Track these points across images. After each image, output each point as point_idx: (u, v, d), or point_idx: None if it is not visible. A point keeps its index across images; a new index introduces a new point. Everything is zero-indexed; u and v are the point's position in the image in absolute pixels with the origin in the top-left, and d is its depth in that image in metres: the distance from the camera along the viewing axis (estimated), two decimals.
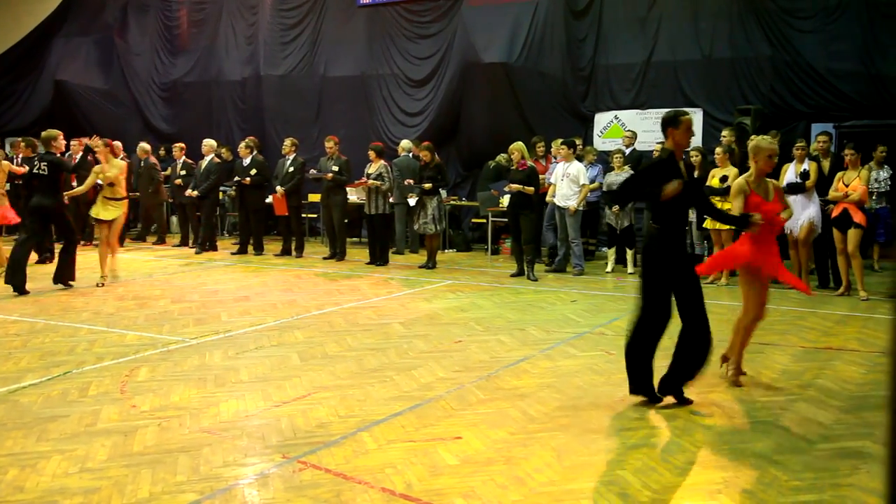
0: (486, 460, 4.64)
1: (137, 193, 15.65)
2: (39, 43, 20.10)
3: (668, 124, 5.76)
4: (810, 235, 10.24)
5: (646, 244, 5.84)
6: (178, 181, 15.11)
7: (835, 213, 9.87)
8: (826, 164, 10.48)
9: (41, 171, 10.41)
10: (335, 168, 13.26)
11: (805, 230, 10.17)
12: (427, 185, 12.28)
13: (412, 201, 12.84)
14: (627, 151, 12.76)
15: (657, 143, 11.90)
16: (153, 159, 15.99)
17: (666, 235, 5.68)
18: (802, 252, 10.39)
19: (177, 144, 15.71)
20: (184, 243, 15.41)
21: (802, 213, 10.25)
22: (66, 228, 10.86)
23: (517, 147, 11.55)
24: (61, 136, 10.95)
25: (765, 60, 13.40)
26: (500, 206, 13.01)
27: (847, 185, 9.75)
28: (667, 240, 5.67)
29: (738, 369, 6.32)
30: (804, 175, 10.30)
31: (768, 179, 6.23)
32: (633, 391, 5.75)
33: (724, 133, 11.72)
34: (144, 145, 16.12)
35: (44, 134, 10.82)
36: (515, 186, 11.25)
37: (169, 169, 15.93)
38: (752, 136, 6.30)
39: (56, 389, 6.10)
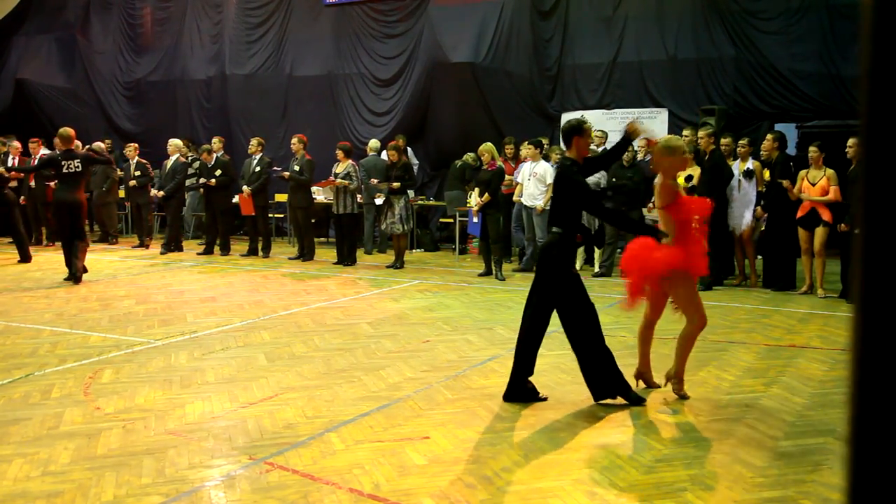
0: (453, 460, 4.64)
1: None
2: None
3: (575, 132, 5.65)
4: (754, 233, 10.56)
5: (555, 251, 5.65)
6: (133, 182, 14.95)
7: (800, 214, 9.98)
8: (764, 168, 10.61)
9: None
10: (296, 167, 13.19)
11: (749, 227, 10.46)
12: (395, 185, 12.26)
13: (379, 200, 12.82)
14: (599, 151, 12.80)
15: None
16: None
17: (569, 240, 5.70)
18: (748, 249, 10.73)
19: (130, 144, 15.50)
20: (141, 245, 15.22)
21: (746, 211, 10.49)
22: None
23: (487, 148, 11.61)
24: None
25: (728, 61, 13.53)
26: (468, 205, 13.02)
27: (813, 184, 9.84)
28: (571, 245, 5.75)
29: (682, 381, 5.91)
30: (748, 173, 10.47)
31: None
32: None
33: (686, 132, 11.83)
34: (99, 144, 15.89)
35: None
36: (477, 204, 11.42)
37: (120, 171, 15.74)
38: (670, 137, 6.20)
39: (18, 392, 6.00)
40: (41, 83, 19.28)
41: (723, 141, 10.82)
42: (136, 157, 15.18)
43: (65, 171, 10.87)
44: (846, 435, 1.07)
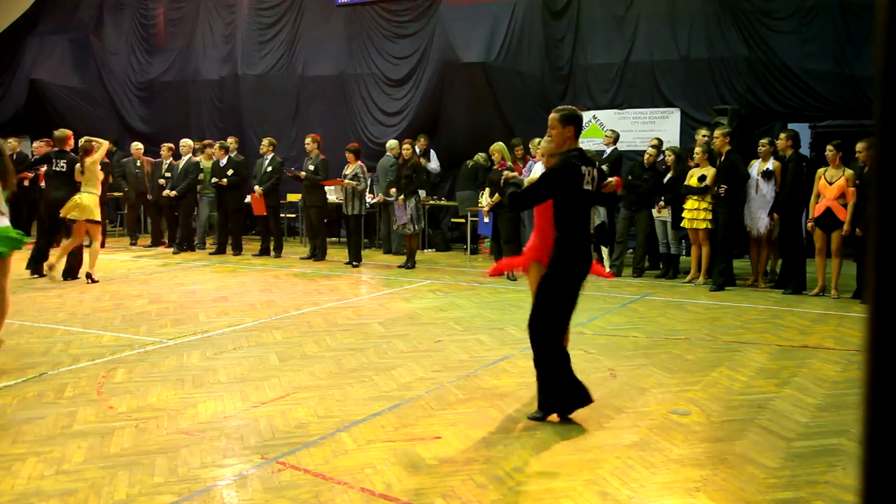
0: (465, 460, 4.64)
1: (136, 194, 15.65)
2: (13, 41, 19.89)
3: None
4: (771, 234, 10.51)
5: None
6: (162, 181, 15.03)
7: (817, 213, 9.89)
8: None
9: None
10: (311, 167, 13.23)
11: (767, 229, 10.40)
12: (392, 191, 12.25)
13: (374, 201, 12.86)
14: (608, 151, 12.75)
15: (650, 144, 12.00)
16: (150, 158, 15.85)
17: None
18: (764, 251, 10.67)
19: (165, 144, 15.52)
20: (155, 244, 15.31)
21: (763, 212, 10.42)
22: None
23: (498, 148, 11.61)
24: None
25: (741, 61, 13.49)
26: (480, 205, 13.02)
27: (831, 184, 9.77)
28: None
29: None
30: (766, 173, 10.40)
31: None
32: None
33: (702, 132, 11.78)
34: (138, 145, 15.96)
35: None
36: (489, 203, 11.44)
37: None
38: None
39: (31, 391, 6.03)
40: (55, 83, 19.40)
41: (762, 141, 10.75)
42: (171, 159, 15.17)
43: (54, 168, 11.36)
44: (860, 436, 1.07)
